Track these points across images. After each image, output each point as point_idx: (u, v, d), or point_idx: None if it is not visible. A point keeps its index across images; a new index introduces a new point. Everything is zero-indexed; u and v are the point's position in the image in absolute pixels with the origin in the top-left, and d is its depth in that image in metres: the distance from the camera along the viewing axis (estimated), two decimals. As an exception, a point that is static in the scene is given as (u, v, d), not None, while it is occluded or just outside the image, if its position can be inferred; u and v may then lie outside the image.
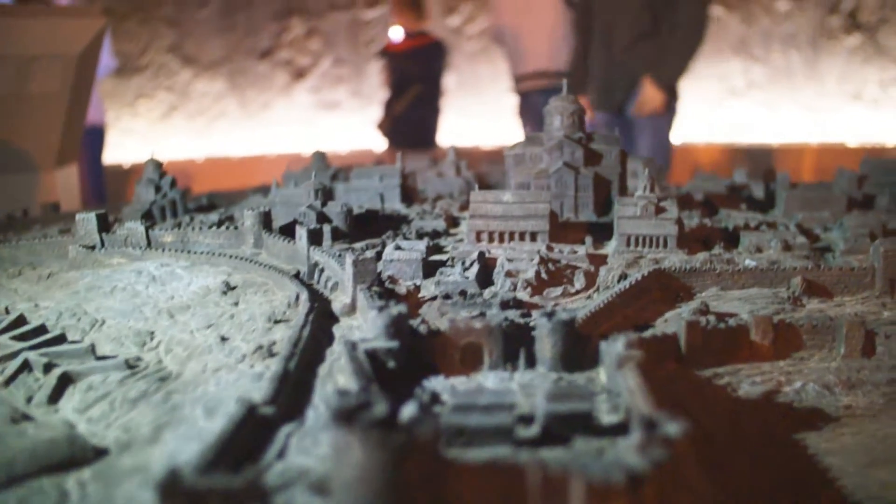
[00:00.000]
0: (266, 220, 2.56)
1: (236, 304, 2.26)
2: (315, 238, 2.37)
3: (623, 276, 2.13)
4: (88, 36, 5.11)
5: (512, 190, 2.68)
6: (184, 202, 3.40)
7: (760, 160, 8.67)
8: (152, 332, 2.14)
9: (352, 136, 10.76)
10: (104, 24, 5.12)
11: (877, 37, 9.09)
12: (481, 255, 2.23)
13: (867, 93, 9.22)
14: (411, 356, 1.64)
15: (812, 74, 9.36)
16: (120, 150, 11.25)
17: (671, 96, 5.47)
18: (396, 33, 7.97)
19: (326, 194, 2.81)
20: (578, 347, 1.62)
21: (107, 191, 7.54)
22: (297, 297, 2.12)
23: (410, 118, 7.96)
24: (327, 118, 11.06)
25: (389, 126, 8.02)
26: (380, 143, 8.39)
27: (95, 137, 7.31)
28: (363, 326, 1.85)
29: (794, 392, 1.64)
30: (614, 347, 1.52)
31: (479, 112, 10.31)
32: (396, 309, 1.67)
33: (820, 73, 9.29)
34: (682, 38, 5.29)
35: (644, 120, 5.30)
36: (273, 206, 2.95)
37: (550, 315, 1.64)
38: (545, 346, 1.60)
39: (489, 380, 1.60)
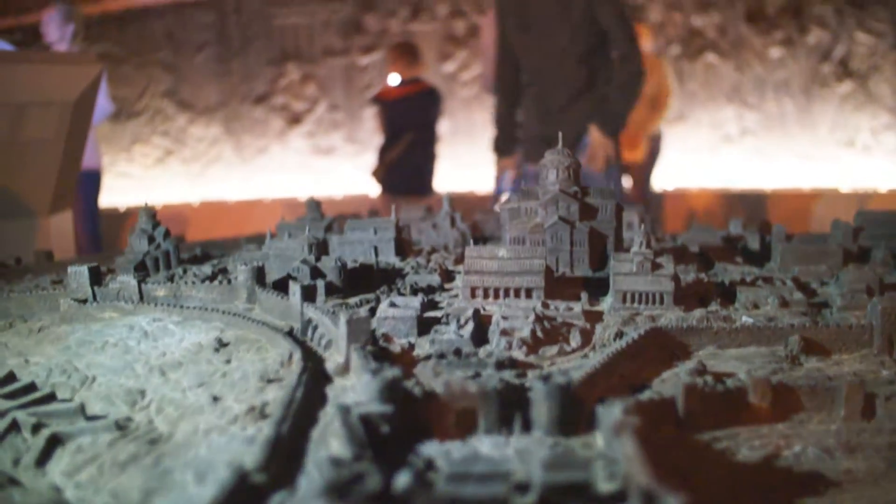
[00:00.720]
0: (259, 276, 2.55)
1: (229, 361, 2.23)
2: (309, 294, 2.35)
3: (619, 335, 2.11)
4: (85, 82, 5.11)
5: (507, 245, 2.67)
6: (177, 253, 3.37)
7: (755, 206, 8.70)
8: (143, 391, 2.11)
9: (347, 181, 10.77)
10: (100, 71, 5.12)
11: (868, 84, 9.15)
12: (476, 312, 2.21)
13: (860, 139, 9.27)
14: (405, 419, 1.62)
15: (805, 121, 9.41)
16: (116, 193, 11.25)
17: (618, 145, 5.51)
18: (394, 79, 8.00)
19: (320, 248, 2.80)
20: (575, 411, 1.60)
21: (102, 235, 7.52)
22: (291, 356, 2.09)
23: (405, 165, 7.95)
24: (322, 163, 11.10)
25: (384, 173, 8.02)
26: (374, 190, 8.39)
27: (91, 181, 7.29)
28: (357, 387, 1.83)
29: (793, 456, 1.61)
30: (611, 413, 1.50)
31: (474, 158, 10.32)
32: (391, 373, 1.65)
33: (813, 120, 9.35)
34: (621, 87, 5.32)
35: (597, 175, 5.33)
36: (266, 260, 2.94)
37: (546, 379, 1.62)
38: (541, 410, 1.58)
39: (484, 444, 1.57)
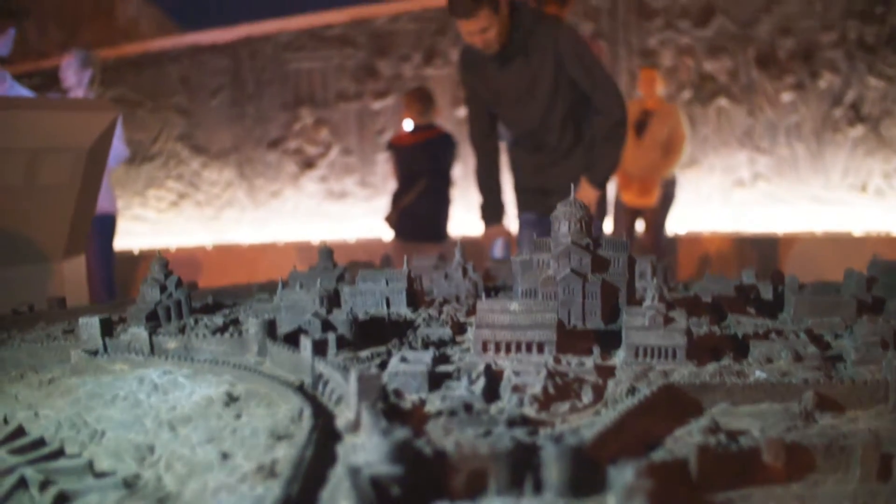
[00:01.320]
0: (270, 329, 2.54)
1: (239, 416, 2.22)
2: (319, 348, 2.34)
3: (632, 390, 2.10)
4: (100, 129, 5.13)
5: (518, 297, 2.66)
6: (189, 303, 3.37)
7: (767, 250, 8.68)
8: (152, 446, 2.10)
9: (360, 225, 10.80)
10: (116, 117, 5.16)
11: (880, 128, 9.16)
12: (488, 367, 2.20)
13: (872, 183, 9.26)
14: (416, 480, 1.60)
15: (817, 165, 9.41)
16: (130, 237, 11.30)
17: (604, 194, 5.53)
18: (408, 125, 8.02)
19: (332, 300, 2.79)
20: (587, 472, 1.58)
21: (116, 280, 7.54)
22: (301, 413, 2.08)
23: (419, 211, 7.95)
24: (336, 208, 11.12)
25: (397, 219, 8.01)
26: (388, 235, 8.38)
27: (106, 226, 7.33)
28: (367, 446, 1.81)
29: (808, 519, 1.59)
30: (624, 475, 1.48)
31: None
32: (401, 433, 1.64)
33: (825, 165, 9.35)
34: (605, 139, 5.30)
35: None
36: (278, 311, 2.93)
37: (558, 439, 1.61)
38: (552, 471, 1.56)
39: (495, 507, 1.56)
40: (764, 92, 9.75)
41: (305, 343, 2.29)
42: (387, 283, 3.09)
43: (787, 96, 9.64)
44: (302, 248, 10.67)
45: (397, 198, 8.06)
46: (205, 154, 11.86)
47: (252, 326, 2.54)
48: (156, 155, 12.02)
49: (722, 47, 9.89)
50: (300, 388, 2.27)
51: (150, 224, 12.01)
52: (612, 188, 8.55)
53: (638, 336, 2.29)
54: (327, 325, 2.54)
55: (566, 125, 5.32)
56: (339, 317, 2.54)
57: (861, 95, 9.41)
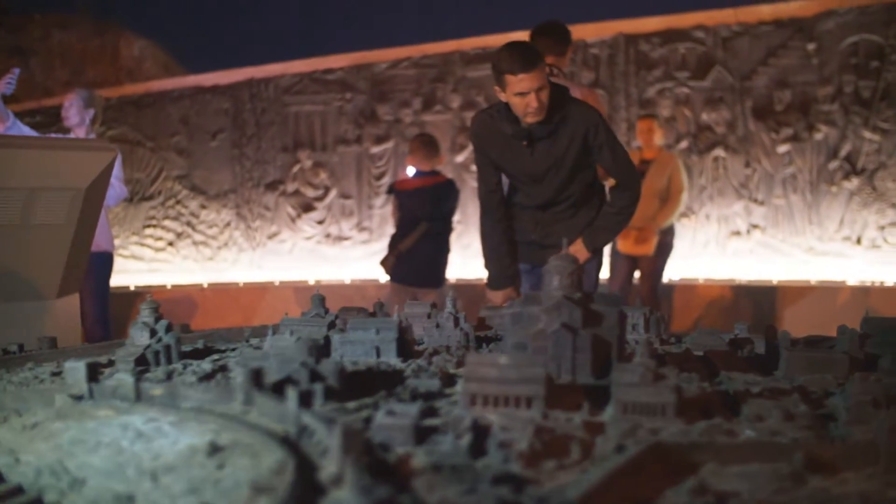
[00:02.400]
0: (257, 377, 2.52)
1: (222, 466, 2.19)
2: (305, 399, 2.32)
3: (619, 448, 2.07)
4: (98, 168, 5.14)
5: (508, 351, 2.64)
6: (178, 347, 3.35)
7: (762, 299, 8.69)
8: (132, 496, 2.07)
9: (357, 268, 10.81)
10: (114, 157, 5.17)
11: (874, 182, 9.21)
12: (475, 422, 2.18)
13: (867, 235, 9.30)
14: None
15: (812, 217, 9.45)
16: (126, 275, 11.30)
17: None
18: (410, 171, 8.05)
19: (320, 349, 2.77)
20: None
21: (111, 317, 7.53)
22: (284, 465, 2.06)
23: (417, 256, 7.96)
24: (333, 250, 11.13)
25: (394, 262, 8.01)
26: (384, 278, 8.37)
27: (103, 264, 7.32)
28: (349, 502, 1.79)
29: (796, 587, 1.57)
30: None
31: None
32: (383, 490, 1.62)
33: (820, 216, 9.39)
34: (618, 212, 5.20)
35: None
36: (266, 359, 2.91)
37: (541, 500, 1.58)
38: (535, 534, 1.54)
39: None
40: (761, 143, 9.81)
41: (291, 393, 2.27)
42: (377, 332, 3.08)
43: (783, 148, 9.70)
44: (299, 290, 10.66)
45: (396, 241, 8.07)
46: (203, 195, 11.89)
47: (238, 375, 2.52)
48: (154, 194, 12.05)
49: (720, 99, 9.95)
50: (285, 440, 2.24)
51: (146, 262, 12.01)
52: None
53: (627, 392, 2.27)
54: (315, 375, 2.52)
55: (578, 190, 5.28)
56: (328, 366, 2.52)
57: (856, 148, 9.47)
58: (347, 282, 10.94)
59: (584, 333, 2.57)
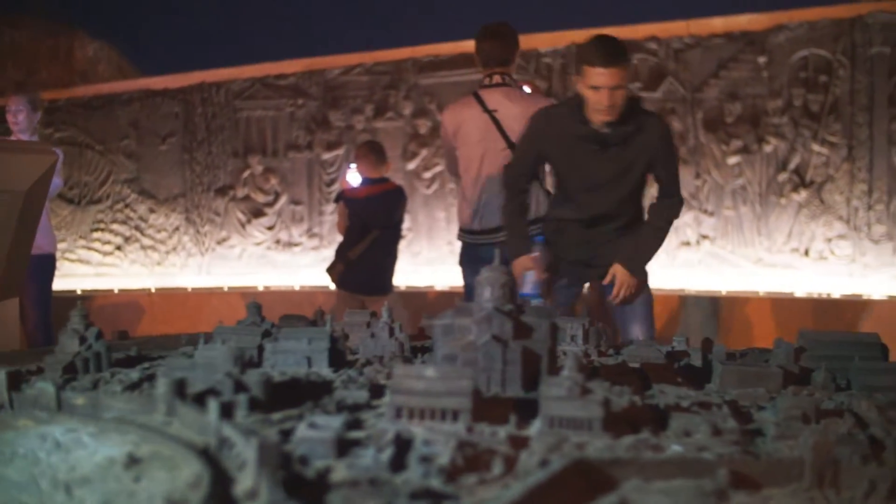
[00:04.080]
0: (179, 388, 2.46)
1: (138, 479, 2.14)
2: (226, 410, 2.27)
3: (544, 463, 2.05)
4: (39, 171, 5.05)
5: (438, 363, 2.61)
6: (108, 355, 3.28)
7: (710, 309, 8.74)
8: (44, 511, 2.01)
9: (307, 274, 10.75)
10: (56, 160, 5.09)
11: (822, 195, 9.31)
12: (398, 435, 2.14)
13: (814, 248, 9.40)
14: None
15: (762, 228, 9.52)
16: (73, 279, 11.16)
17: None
18: (353, 177, 8.00)
19: (245, 361, 2.72)
20: (482, 555, 1.53)
21: (54, 321, 7.42)
22: (200, 479, 2.01)
23: (367, 263, 7.93)
24: (283, 256, 11.06)
25: (342, 270, 7.97)
26: (332, 286, 8.33)
27: (45, 267, 7.22)
28: (258, 520, 1.75)
29: None
30: (517, 559, 1.42)
31: (433, 255, 10.35)
32: (292, 507, 1.58)
33: (769, 228, 9.47)
34: (659, 230, 5.19)
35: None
36: (194, 369, 2.85)
37: (452, 519, 1.55)
38: (445, 553, 1.51)
39: (385, 589, 1.50)
40: (711, 155, 9.87)
41: (212, 404, 2.22)
42: (309, 342, 3.03)
43: (733, 159, 9.77)
44: (247, 295, 10.58)
45: (344, 249, 8.03)
46: (152, 199, 11.76)
47: (161, 385, 2.47)
48: (102, 198, 11.90)
49: (671, 110, 9.99)
50: (205, 452, 2.19)
51: (93, 267, 11.86)
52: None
53: (554, 406, 2.24)
54: (239, 386, 2.47)
55: (632, 208, 5.21)
56: (253, 377, 2.47)
57: (805, 161, 9.56)
58: (297, 288, 10.87)
59: (514, 346, 2.55)
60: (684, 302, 9.24)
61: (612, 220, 5.15)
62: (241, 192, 11.51)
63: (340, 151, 11.03)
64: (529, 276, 5.14)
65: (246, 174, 11.48)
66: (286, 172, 11.34)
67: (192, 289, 11.32)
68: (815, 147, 9.53)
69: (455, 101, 6.40)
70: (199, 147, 11.63)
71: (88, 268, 11.87)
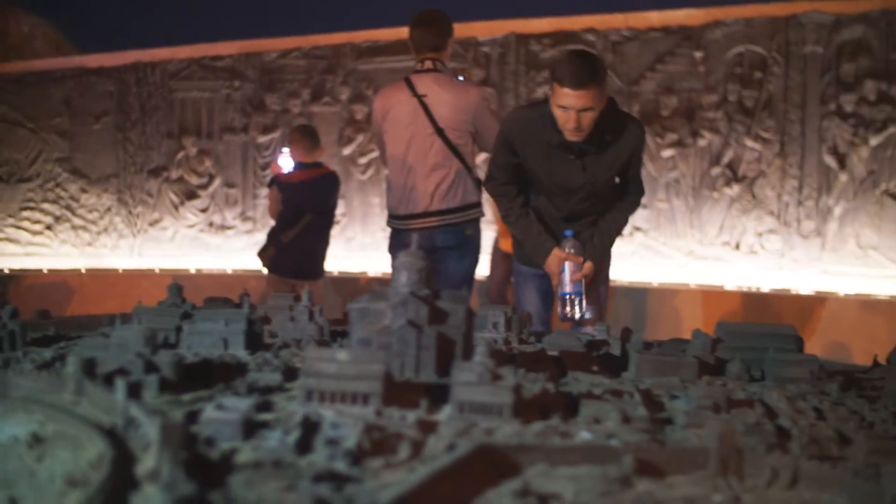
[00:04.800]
0: (89, 367, 2.43)
1: (41, 459, 2.11)
2: (134, 390, 2.24)
3: (452, 448, 2.05)
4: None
5: (352, 346, 2.60)
6: (23, 334, 3.23)
7: (641, 300, 8.81)
8: (-60, 491, 1.98)
9: (240, 258, 10.66)
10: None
11: (754, 189, 9.42)
12: (306, 418, 2.13)
13: (745, 241, 9.52)
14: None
15: (694, 221, 9.61)
16: (0, 258, 10.95)
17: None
18: (286, 162, 7.93)
19: (161, 342, 2.69)
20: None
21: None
22: (103, 459, 1.98)
23: (300, 247, 7.88)
24: (216, 239, 10.96)
25: (273, 255, 7.92)
26: (263, 270, 8.26)
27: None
28: (156, 499, 1.73)
29: (603, 591, 1.55)
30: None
31: (367, 240, 10.32)
32: (186, 487, 1.56)
33: (701, 221, 9.56)
34: (618, 219, 5.11)
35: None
36: (108, 349, 2.82)
37: (346, 500, 1.54)
38: (339, 535, 1.50)
39: (278, 570, 1.49)
40: (646, 147, 9.93)
41: (119, 384, 2.19)
42: (226, 324, 3.01)
43: (667, 153, 9.84)
44: (179, 278, 10.45)
45: (277, 233, 7.97)
46: (84, 178, 11.58)
47: (70, 364, 2.43)
48: (33, 176, 11.69)
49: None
50: (111, 432, 2.16)
51: (22, 246, 11.66)
52: (491, 236, 8.60)
53: (464, 391, 2.25)
54: (150, 366, 2.44)
55: (606, 204, 5.07)
56: (164, 358, 2.44)
57: (738, 156, 9.67)
58: (229, 272, 10.79)
59: (429, 331, 2.54)
60: (615, 293, 9.30)
61: (588, 215, 5.06)
62: (174, 174, 11.37)
63: (276, 135, 10.94)
64: (567, 273, 4.92)
65: (180, 156, 11.35)
66: (221, 155, 11.23)
67: (124, 270, 11.18)
68: (749, 142, 9.64)
69: (386, 85, 6.38)
70: (133, 127, 11.46)
71: (17, 247, 11.67)
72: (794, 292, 9.29)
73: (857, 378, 3.24)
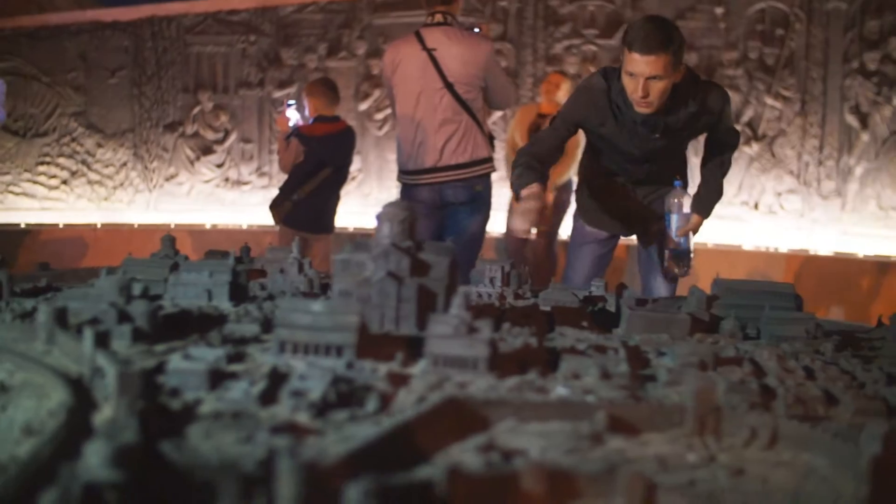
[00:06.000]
0: (60, 316, 2.39)
1: (4, 408, 2.08)
2: (103, 340, 2.20)
3: (420, 401, 2.00)
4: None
5: (333, 298, 2.55)
6: (9, 285, 3.20)
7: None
8: None
9: (255, 213, 10.62)
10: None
11: (773, 148, 9.27)
12: (274, 369, 2.09)
13: (764, 201, 9.39)
14: (145, 487, 1.47)
15: (713, 181, 9.44)
16: (18, 213, 10.96)
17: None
18: (293, 114, 7.84)
19: (138, 292, 2.65)
20: (321, 488, 1.47)
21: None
22: (62, 408, 1.94)
23: (316, 201, 7.83)
24: (231, 194, 10.92)
25: (290, 207, 7.86)
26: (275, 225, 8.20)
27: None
28: (99, 449, 1.68)
29: (559, 548, 1.50)
30: (355, 494, 1.37)
31: (382, 196, 10.27)
32: (128, 435, 1.51)
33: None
34: (723, 171, 4.90)
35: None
36: (86, 299, 2.78)
37: (293, 452, 1.49)
38: (283, 488, 1.45)
39: (218, 527, 1.43)
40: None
41: (87, 333, 2.15)
42: (210, 275, 2.96)
43: (685, 112, 9.69)
44: (194, 233, 10.46)
45: (294, 186, 7.90)
46: (100, 133, 11.56)
47: (42, 314, 2.39)
48: (49, 131, 11.68)
49: (626, 58, 9.90)
50: (78, 382, 2.13)
51: (38, 200, 11.67)
52: (506, 192, 8.53)
53: (439, 345, 2.19)
54: (124, 316, 2.40)
55: (679, 161, 4.93)
56: (139, 308, 2.40)
57: (758, 114, 9.54)
58: (244, 227, 10.77)
59: (409, 283, 2.49)
60: (630, 252, 9.21)
61: (660, 177, 4.83)
62: (190, 129, 11.33)
63: (292, 90, 10.86)
64: (674, 227, 4.76)
65: (196, 111, 11.30)
66: (236, 110, 11.18)
67: (139, 225, 11.18)
68: (769, 101, 9.50)
69: (396, 39, 6.29)
70: (148, 82, 11.41)
71: (33, 202, 11.68)
72: (812, 253, 9.17)
73: (856, 338, 3.17)
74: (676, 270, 4.76)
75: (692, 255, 4.76)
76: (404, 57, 5.95)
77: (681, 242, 4.77)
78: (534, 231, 8.45)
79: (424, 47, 5.84)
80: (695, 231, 4.83)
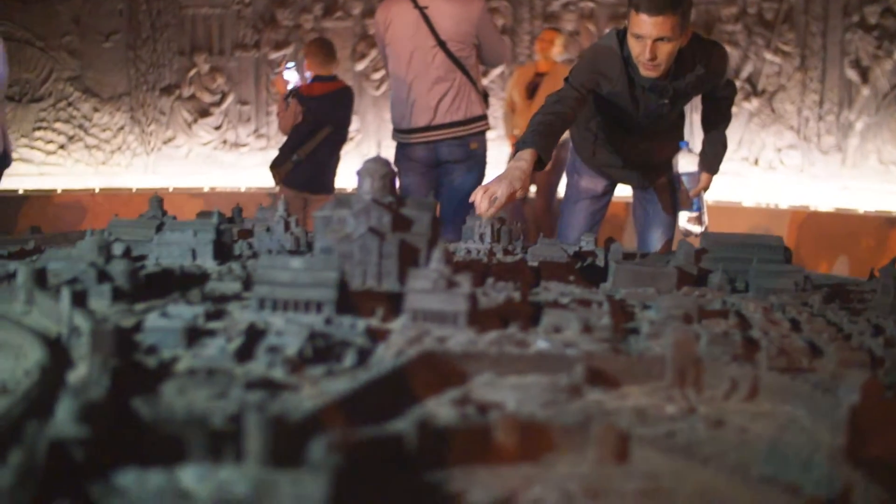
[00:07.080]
0: (39, 277, 2.38)
1: (-18, 368, 2.07)
2: (80, 299, 2.19)
3: (398, 356, 1.99)
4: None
5: (315, 254, 2.54)
6: (-6, 247, 3.20)
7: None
8: None
9: (253, 174, 10.58)
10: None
11: (773, 104, 9.21)
12: (251, 326, 2.07)
13: (763, 157, 9.34)
14: (110, 443, 1.47)
15: (712, 137, 9.39)
16: (15, 178, 10.90)
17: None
18: (291, 76, 7.79)
19: (113, 251, 2.64)
20: (292, 442, 1.45)
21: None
22: (38, 367, 1.93)
23: (316, 161, 7.80)
24: (229, 156, 10.87)
25: (289, 168, 7.82)
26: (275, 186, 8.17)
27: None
28: (64, 407, 1.67)
29: (530, 501, 1.49)
30: (319, 448, 1.36)
31: (383, 156, 10.16)
32: (95, 391, 1.50)
33: (719, 136, 9.33)
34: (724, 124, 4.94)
35: None
36: (69, 259, 2.77)
37: (261, 407, 1.48)
38: (251, 443, 1.44)
39: (188, 475, 1.43)
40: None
41: (64, 292, 2.14)
42: (194, 234, 2.95)
43: (684, 67, 9.63)
44: (193, 196, 10.43)
45: (294, 146, 7.86)
46: (96, 97, 11.48)
47: (21, 275, 2.38)
48: (45, 95, 11.59)
49: (624, 15, 9.80)
50: (55, 341, 2.12)
51: (36, 166, 11.61)
52: (506, 150, 8.52)
53: (418, 299, 2.18)
54: (103, 276, 2.38)
55: (679, 121, 4.87)
56: (118, 267, 2.39)
57: (757, 70, 9.48)
58: (243, 189, 10.73)
59: (391, 238, 2.47)
60: (627, 209, 9.18)
61: (662, 134, 4.75)
62: (186, 92, 11.25)
63: (288, 51, 10.79)
64: (685, 187, 4.81)
65: (192, 73, 11.22)
66: (233, 72, 11.10)
67: (137, 189, 11.14)
68: (768, 56, 9.44)
69: None
70: (143, 45, 11.32)
71: (31, 167, 11.62)
72: (813, 209, 9.13)
73: (846, 291, 3.16)
74: (695, 229, 4.77)
75: (703, 214, 4.78)
76: (396, 15, 5.90)
77: (695, 202, 4.80)
78: (533, 189, 8.43)
79: (416, 5, 5.79)
80: (706, 188, 4.84)
